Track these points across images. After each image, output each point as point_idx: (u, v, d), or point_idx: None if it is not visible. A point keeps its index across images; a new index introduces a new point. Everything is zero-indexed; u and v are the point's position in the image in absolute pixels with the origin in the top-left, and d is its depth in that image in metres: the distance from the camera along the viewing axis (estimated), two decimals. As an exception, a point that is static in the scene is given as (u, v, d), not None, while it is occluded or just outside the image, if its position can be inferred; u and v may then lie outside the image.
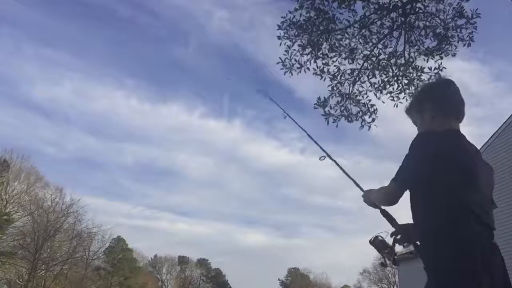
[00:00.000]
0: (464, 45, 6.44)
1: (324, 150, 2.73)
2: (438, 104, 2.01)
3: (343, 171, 2.53)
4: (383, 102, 6.90)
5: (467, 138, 1.98)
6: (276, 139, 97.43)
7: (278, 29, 6.53)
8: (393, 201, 1.96)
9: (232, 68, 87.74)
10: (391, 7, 6.73)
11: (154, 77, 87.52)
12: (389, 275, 54.32)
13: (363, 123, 6.89)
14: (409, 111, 2.19)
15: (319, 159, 2.71)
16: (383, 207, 2.14)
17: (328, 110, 6.74)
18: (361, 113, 6.87)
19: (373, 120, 6.91)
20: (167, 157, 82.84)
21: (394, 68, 6.95)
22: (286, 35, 6.47)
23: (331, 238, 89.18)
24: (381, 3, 6.75)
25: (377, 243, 2.06)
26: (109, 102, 72.93)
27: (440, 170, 1.78)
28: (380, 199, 2.07)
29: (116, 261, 46.24)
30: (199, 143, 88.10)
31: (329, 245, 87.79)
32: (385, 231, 2.05)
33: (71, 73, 70.26)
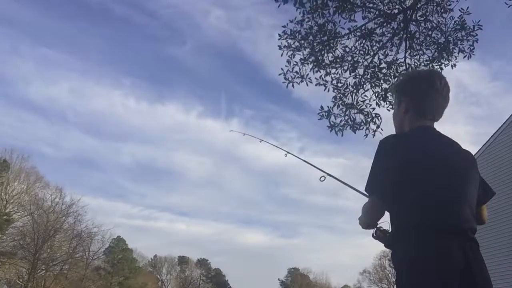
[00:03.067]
0: (464, 57, 6.44)
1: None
2: (416, 103, 1.95)
3: (350, 186, 2.45)
4: (388, 110, 6.88)
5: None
6: (274, 139, 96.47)
7: (279, 39, 6.54)
8: (377, 215, 1.88)
9: (229, 68, 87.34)
10: (391, 14, 6.73)
11: (151, 77, 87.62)
12: (389, 275, 54.40)
13: (367, 132, 6.86)
14: (392, 91, 2.18)
15: (320, 180, 2.64)
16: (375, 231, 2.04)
17: (333, 121, 6.72)
18: (365, 121, 6.85)
19: (378, 127, 6.88)
20: (165, 157, 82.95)
21: (394, 77, 6.95)
22: (287, 45, 6.46)
23: (331, 238, 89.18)
24: (381, 12, 6.75)
25: (378, 235, 1.99)
26: (107, 102, 73.06)
27: (403, 172, 1.76)
28: (364, 218, 1.93)
29: (116, 261, 46.31)
30: (197, 142, 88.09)
31: (328, 245, 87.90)
32: (386, 221, 1.97)
33: (68, 73, 70.22)
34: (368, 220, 1.92)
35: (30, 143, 64.75)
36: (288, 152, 3.32)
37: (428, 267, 1.62)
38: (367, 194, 1.92)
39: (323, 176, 2.65)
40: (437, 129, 1.99)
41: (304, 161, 2.93)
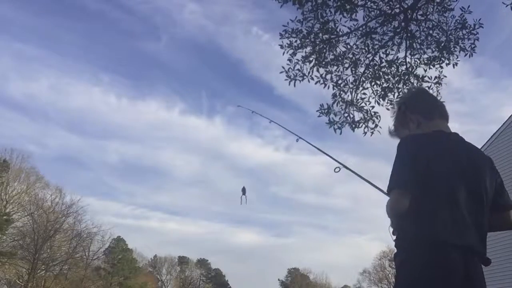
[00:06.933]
0: (465, 55, 6.46)
1: (339, 162, 2.69)
2: (418, 109, 2.03)
3: (366, 180, 2.49)
4: (388, 109, 6.91)
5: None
6: (259, 137, 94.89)
7: (280, 38, 6.55)
8: (402, 209, 1.75)
9: (208, 64, 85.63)
10: (392, 13, 6.74)
11: (129, 73, 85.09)
12: (389, 275, 54.40)
13: (366, 130, 6.88)
14: (396, 130, 2.14)
15: (334, 171, 2.66)
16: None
17: (332, 118, 6.74)
18: (364, 119, 6.86)
19: (376, 126, 6.90)
20: (151, 155, 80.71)
21: (395, 76, 6.96)
22: (288, 44, 6.47)
23: (325, 237, 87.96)
24: (382, 11, 6.76)
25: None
26: (88, 98, 70.08)
27: (418, 170, 1.74)
28: (389, 212, 1.80)
29: (116, 261, 46.29)
30: (182, 140, 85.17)
31: (323, 244, 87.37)
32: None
33: (45, 68, 67.37)
34: (393, 211, 1.78)
35: (13, 141, 63.38)
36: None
37: (426, 283, 1.59)
38: (389, 189, 1.80)
39: (338, 167, 2.67)
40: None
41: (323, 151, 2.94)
